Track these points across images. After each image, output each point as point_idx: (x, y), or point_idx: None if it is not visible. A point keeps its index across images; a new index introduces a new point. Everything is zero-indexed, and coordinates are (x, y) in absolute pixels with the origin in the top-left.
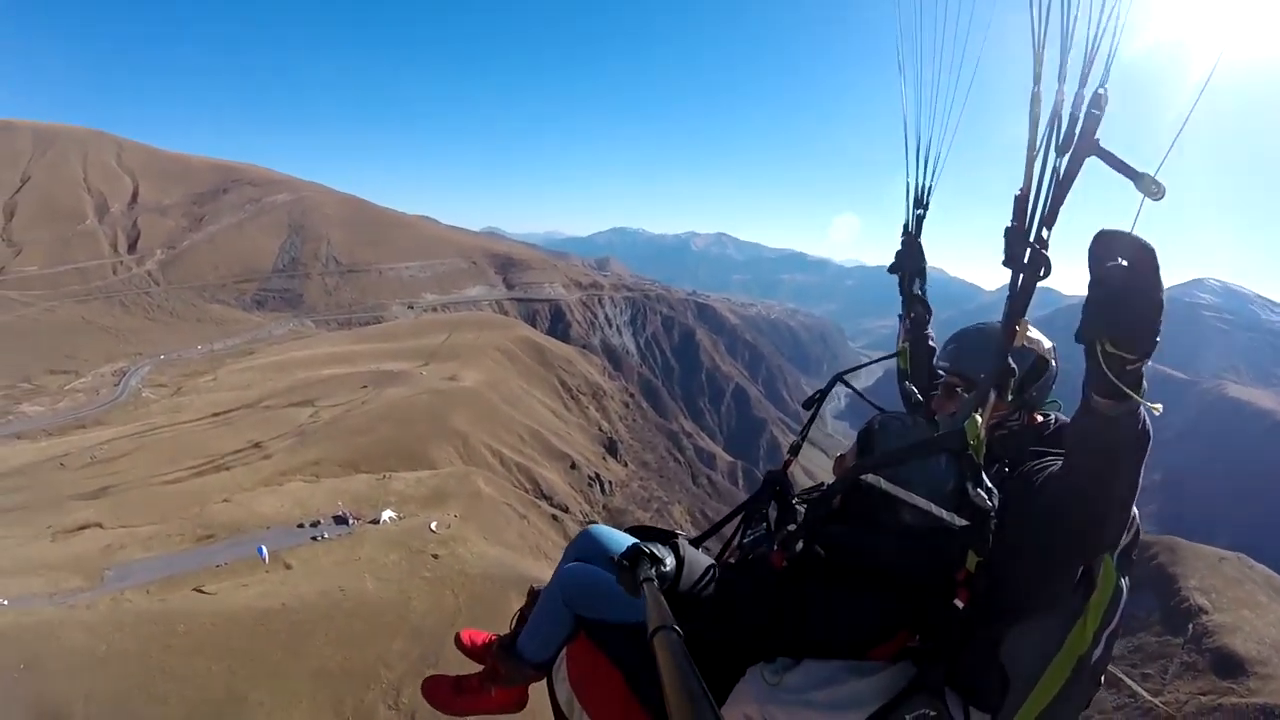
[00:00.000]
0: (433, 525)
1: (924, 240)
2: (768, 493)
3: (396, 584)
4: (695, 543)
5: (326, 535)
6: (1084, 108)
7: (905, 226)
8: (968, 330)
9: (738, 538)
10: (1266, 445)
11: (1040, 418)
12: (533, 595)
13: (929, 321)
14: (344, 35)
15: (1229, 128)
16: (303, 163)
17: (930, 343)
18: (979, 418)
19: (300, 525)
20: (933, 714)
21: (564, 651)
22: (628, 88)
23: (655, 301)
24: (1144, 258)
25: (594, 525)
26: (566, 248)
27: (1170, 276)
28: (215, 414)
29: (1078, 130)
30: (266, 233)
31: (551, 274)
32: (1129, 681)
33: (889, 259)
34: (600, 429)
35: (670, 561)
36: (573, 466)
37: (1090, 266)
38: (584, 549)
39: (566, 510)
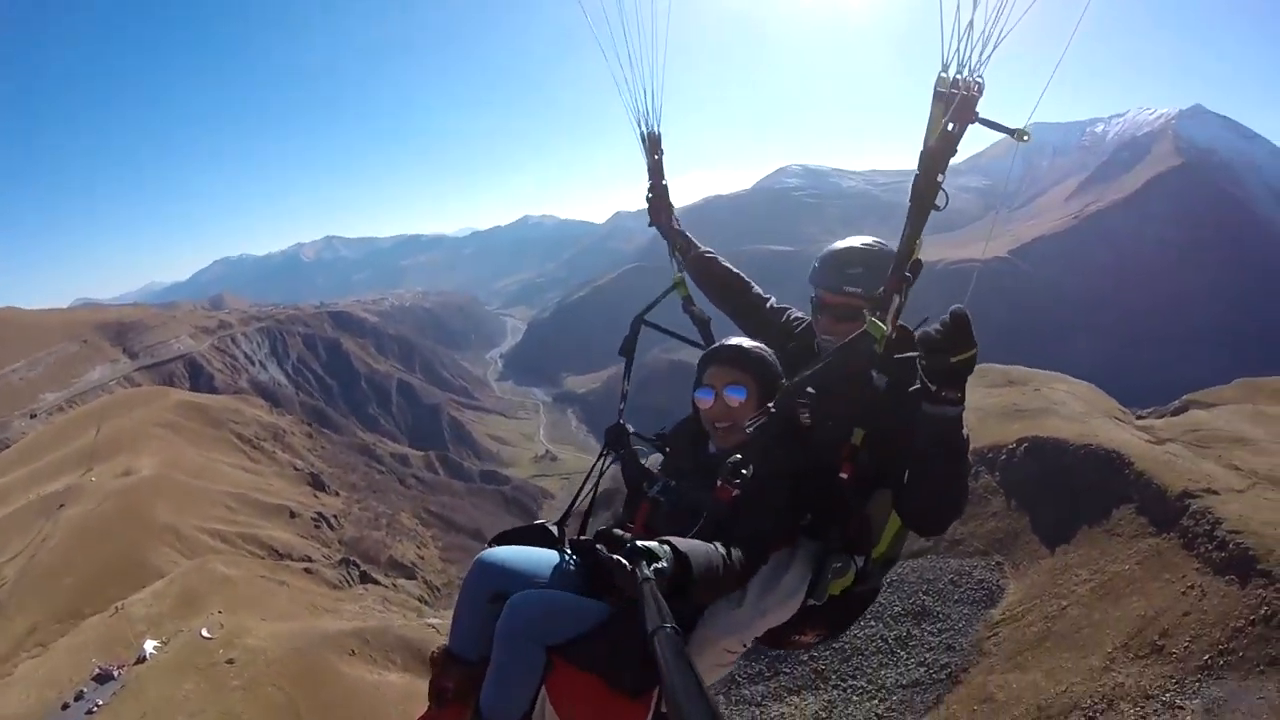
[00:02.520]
0: (204, 632)
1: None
2: (624, 442)
3: (214, 710)
4: (559, 523)
5: (100, 701)
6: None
7: (649, 175)
8: (865, 253)
9: (654, 498)
10: None
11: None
12: (438, 662)
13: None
14: None
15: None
16: None
17: (723, 261)
18: (879, 321)
19: (65, 706)
20: (840, 564)
21: (543, 690)
22: (191, 111)
23: (290, 324)
24: (962, 324)
25: (483, 553)
26: (173, 296)
27: (762, 169)
28: None
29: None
30: None
31: (173, 328)
32: None
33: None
34: (295, 469)
35: (668, 559)
36: (292, 515)
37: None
38: (498, 578)
39: (311, 560)
